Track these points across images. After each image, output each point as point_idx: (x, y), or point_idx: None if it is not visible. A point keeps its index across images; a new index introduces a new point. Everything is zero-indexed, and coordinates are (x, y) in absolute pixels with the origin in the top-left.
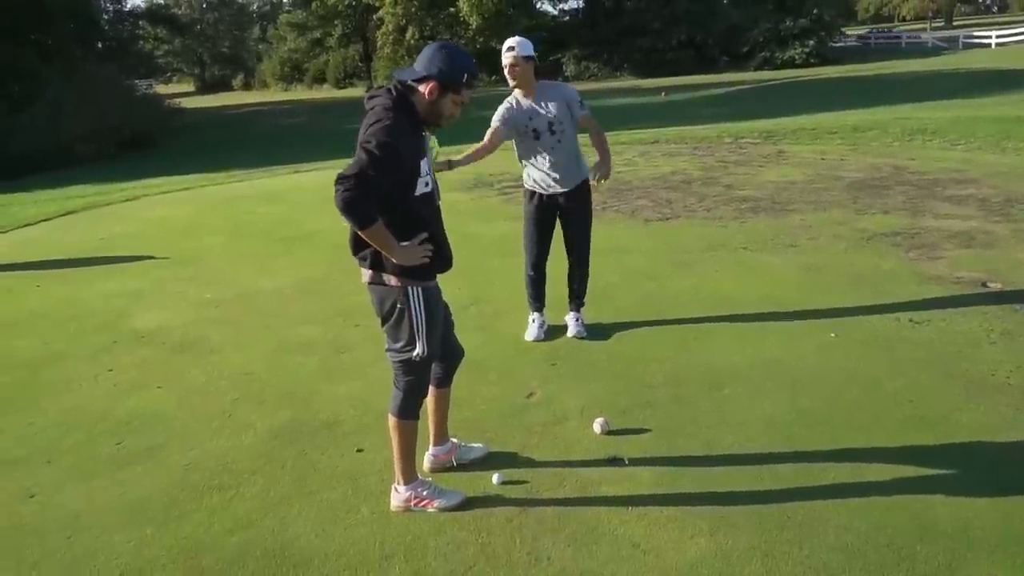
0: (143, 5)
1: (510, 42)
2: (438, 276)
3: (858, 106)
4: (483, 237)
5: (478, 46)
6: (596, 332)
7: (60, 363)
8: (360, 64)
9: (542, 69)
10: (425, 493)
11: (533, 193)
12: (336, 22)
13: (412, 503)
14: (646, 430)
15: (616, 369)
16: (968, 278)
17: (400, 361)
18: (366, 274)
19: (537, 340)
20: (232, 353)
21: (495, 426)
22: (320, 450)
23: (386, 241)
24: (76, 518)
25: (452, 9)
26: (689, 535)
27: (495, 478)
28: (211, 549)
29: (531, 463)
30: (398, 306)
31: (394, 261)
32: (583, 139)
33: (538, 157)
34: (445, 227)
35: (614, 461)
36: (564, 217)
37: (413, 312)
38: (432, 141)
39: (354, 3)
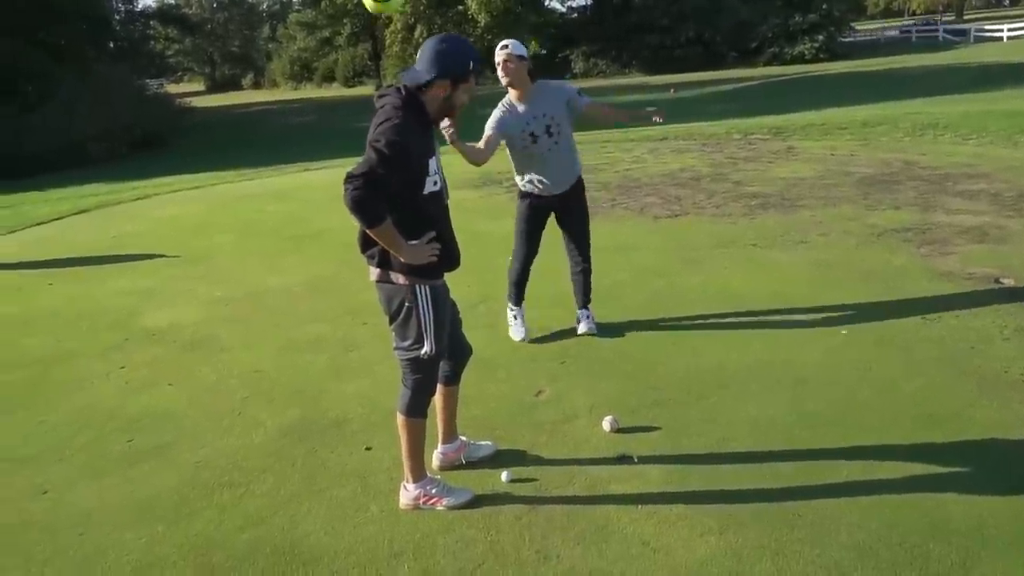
0: (154, 5)
1: (504, 41)
2: (447, 275)
3: (868, 101)
4: (492, 235)
5: (486, 43)
6: (605, 330)
7: (71, 361)
8: (369, 63)
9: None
10: (434, 491)
11: (528, 194)
12: (345, 21)
13: (421, 501)
14: (655, 428)
15: (625, 367)
16: (980, 274)
17: (408, 359)
18: (374, 272)
19: (523, 340)
20: (242, 351)
21: (504, 424)
22: (329, 448)
23: (394, 240)
24: (87, 515)
25: (460, 7)
26: (699, 533)
27: (504, 476)
28: (221, 546)
29: (540, 461)
30: (406, 304)
31: (402, 260)
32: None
33: (534, 162)
34: (454, 225)
35: (623, 459)
36: (562, 217)
37: (421, 310)
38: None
39: None
